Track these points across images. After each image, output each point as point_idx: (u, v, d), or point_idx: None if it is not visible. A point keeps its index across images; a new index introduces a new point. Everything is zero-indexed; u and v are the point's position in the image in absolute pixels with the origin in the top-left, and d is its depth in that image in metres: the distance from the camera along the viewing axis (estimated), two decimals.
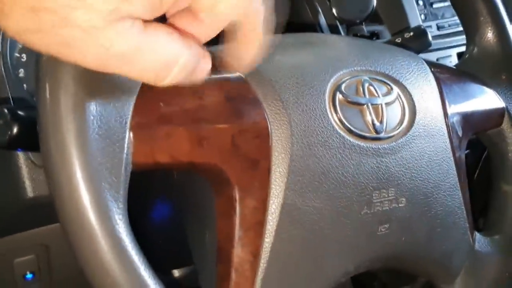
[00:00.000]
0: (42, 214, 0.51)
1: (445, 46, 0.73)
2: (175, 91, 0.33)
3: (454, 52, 0.73)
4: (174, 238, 0.47)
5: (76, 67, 0.28)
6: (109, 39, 0.24)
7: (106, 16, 0.23)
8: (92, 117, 0.28)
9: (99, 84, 0.29)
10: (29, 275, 0.55)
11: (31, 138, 0.41)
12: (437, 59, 0.72)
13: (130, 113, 0.31)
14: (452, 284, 0.46)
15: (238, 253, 0.35)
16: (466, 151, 0.61)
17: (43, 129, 0.28)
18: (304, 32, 0.44)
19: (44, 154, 0.28)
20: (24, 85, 0.49)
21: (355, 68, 0.41)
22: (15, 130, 0.40)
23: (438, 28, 0.74)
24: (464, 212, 0.46)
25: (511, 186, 0.50)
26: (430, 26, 0.74)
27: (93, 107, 0.29)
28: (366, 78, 0.41)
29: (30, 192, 0.49)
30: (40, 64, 0.28)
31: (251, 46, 0.30)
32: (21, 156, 0.49)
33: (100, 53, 0.24)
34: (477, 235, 0.48)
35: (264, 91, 0.37)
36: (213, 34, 0.28)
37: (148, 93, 0.32)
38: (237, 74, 0.37)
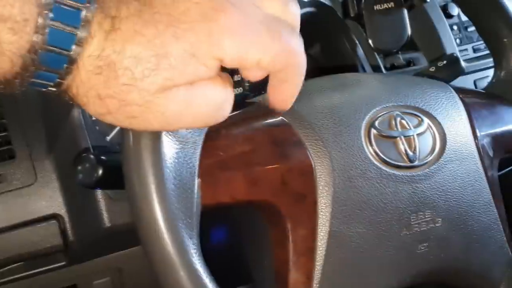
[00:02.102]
0: (117, 241, 0.60)
1: (482, 67, 0.76)
2: (231, 140, 0.40)
3: (491, 73, 0.75)
4: (234, 259, 0.53)
5: (152, 134, 0.34)
6: (162, 106, 0.30)
7: (155, 92, 0.29)
8: (168, 171, 0.35)
9: (171, 142, 0.36)
10: None
11: (112, 179, 0.48)
12: (475, 81, 0.75)
13: (197, 163, 0.37)
14: None
15: (293, 275, 0.41)
16: None
17: (129, 181, 0.35)
18: (338, 74, 0.49)
19: (130, 200, 0.35)
20: (97, 127, 0.57)
21: (387, 105, 0.46)
22: (100, 172, 0.48)
23: (474, 50, 0.77)
24: (501, 226, 0.49)
25: None
26: (466, 49, 0.77)
27: (168, 162, 0.35)
28: (398, 112, 0.46)
29: (107, 222, 0.57)
30: (125, 132, 0.35)
31: (291, 90, 0.34)
32: (98, 191, 0.57)
33: (159, 118, 0.30)
34: None
35: (306, 132, 0.42)
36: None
37: (209, 145, 0.38)
38: (281, 119, 0.43)
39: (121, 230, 0.57)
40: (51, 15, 0.26)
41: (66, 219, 0.57)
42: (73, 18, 0.27)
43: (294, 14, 0.34)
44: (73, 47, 0.28)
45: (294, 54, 0.32)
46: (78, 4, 0.27)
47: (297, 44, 0.32)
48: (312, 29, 0.72)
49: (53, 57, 0.28)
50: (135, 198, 0.35)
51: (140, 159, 0.34)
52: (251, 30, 0.30)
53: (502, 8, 0.53)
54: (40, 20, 0.26)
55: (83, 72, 0.28)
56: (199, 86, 0.31)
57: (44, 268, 0.59)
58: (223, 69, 0.32)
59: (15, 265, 0.57)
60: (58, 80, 0.29)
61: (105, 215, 0.57)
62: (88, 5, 0.27)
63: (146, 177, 0.34)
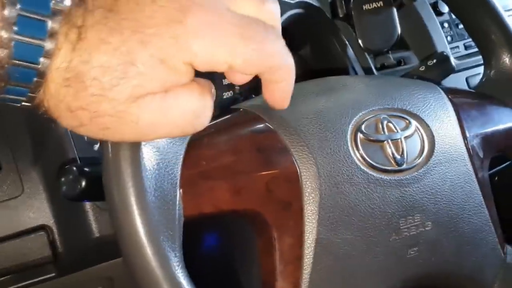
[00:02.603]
0: (107, 251, 0.59)
1: (474, 64, 0.75)
2: (214, 149, 0.39)
3: (483, 70, 0.75)
4: (224, 268, 0.52)
5: (131, 144, 0.34)
6: (135, 115, 0.29)
7: (125, 100, 0.28)
8: (148, 182, 0.34)
9: (151, 152, 0.35)
10: None
11: (96, 190, 0.48)
12: (467, 78, 0.74)
13: (179, 174, 0.37)
14: None
15: (281, 285, 0.40)
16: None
17: (108, 193, 0.34)
18: (324, 78, 0.49)
19: (111, 214, 0.35)
20: (85, 137, 0.56)
21: (374, 108, 0.45)
22: (83, 184, 0.47)
23: (466, 47, 0.77)
24: (492, 227, 0.49)
25: None
26: (458, 47, 0.76)
27: (149, 174, 0.35)
28: (385, 116, 0.45)
29: (96, 232, 0.57)
30: (104, 144, 0.34)
31: (282, 90, 0.33)
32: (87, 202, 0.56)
33: (133, 128, 0.29)
34: (509, 248, 0.51)
35: (291, 138, 0.42)
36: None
37: (191, 154, 0.38)
38: (265, 125, 0.42)
39: (111, 240, 0.57)
40: (15, 28, 0.26)
41: (55, 230, 0.57)
42: (39, 30, 0.26)
43: (272, 12, 0.32)
44: (41, 59, 0.27)
45: (272, 55, 0.30)
46: (44, 16, 0.26)
47: (276, 44, 0.31)
48: (301, 30, 0.71)
49: (21, 71, 0.27)
50: (115, 210, 0.34)
51: (119, 170, 0.34)
52: (219, 31, 0.29)
53: (489, 5, 0.53)
54: (4, 34, 0.26)
55: (52, 85, 0.28)
56: (174, 93, 0.30)
57: (33, 280, 0.58)
58: (210, 74, 0.31)
59: (4, 278, 0.57)
60: (30, 94, 0.28)
61: (93, 225, 0.57)
62: (53, 16, 0.26)
63: (126, 189, 0.34)
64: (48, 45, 0.27)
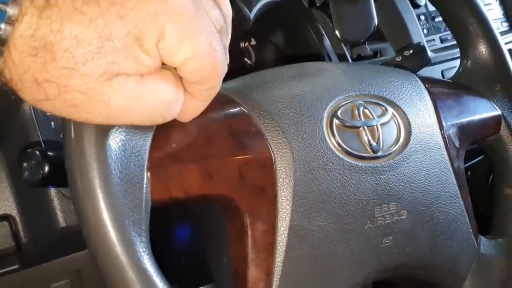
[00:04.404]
0: (74, 242, 0.57)
1: (449, 58, 0.75)
2: (184, 131, 0.37)
3: (458, 63, 0.75)
4: (196, 258, 0.51)
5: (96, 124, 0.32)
6: (106, 95, 0.27)
7: (98, 77, 0.27)
8: (113, 164, 0.33)
9: (117, 133, 0.33)
10: None
11: (61, 175, 0.46)
12: (442, 71, 0.74)
13: (147, 156, 0.35)
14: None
15: (252, 273, 0.38)
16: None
17: (71, 177, 0.33)
18: (300, 63, 0.47)
19: (73, 198, 0.33)
20: (52, 123, 0.54)
21: (350, 94, 0.44)
22: (46, 169, 0.45)
23: (442, 41, 0.77)
24: (467, 218, 0.48)
25: None
26: (434, 40, 0.76)
27: (114, 154, 0.33)
28: (361, 102, 0.44)
29: (62, 222, 0.54)
30: (65, 122, 0.32)
31: (197, 107, 0.33)
32: (52, 189, 0.54)
33: (102, 109, 0.28)
34: (482, 238, 0.50)
35: (266, 122, 0.40)
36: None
37: (160, 136, 0.36)
38: (239, 109, 0.41)
39: (78, 230, 0.54)
40: None
41: (18, 220, 0.55)
42: None
43: (229, 34, 0.32)
44: (2, 25, 0.25)
45: (219, 71, 0.31)
46: None
47: (225, 61, 0.31)
48: (277, 19, 0.70)
49: None
50: (78, 195, 0.32)
51: (83, 152, 0.32)
52: (195, 25, 0.28)
53: None
54: None
55: (16, 53, 0.26)
56: (150, 80, 0.29)
57: None
58: None
59: None
60: None
61: (59, 215, 0.54)
62: None
63: (89, 171, 0.32)
64: (10, 10, 0.25)
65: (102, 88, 0.27)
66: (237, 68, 0.72)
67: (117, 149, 0.33)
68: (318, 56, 0.69)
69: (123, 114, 0.29)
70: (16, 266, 0.57)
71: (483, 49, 0.54)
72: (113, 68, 0.27)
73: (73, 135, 0.32)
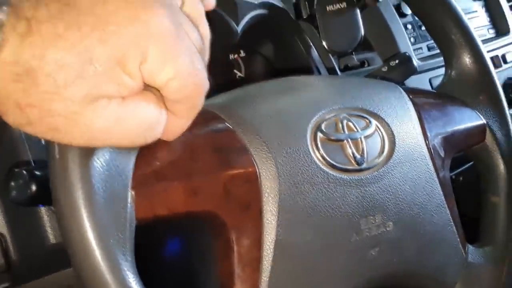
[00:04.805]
0: (65, 258, 0.57)
1: (437, 65, 0.76)
2: (168, 149, 0.38)
3: None
4: (184, 273, 0.51)
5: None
6: (88, 119, 0.28)
7: (80, 101, 0.27)
8: (98, 184, 0.33)
9: (101, 153, 0.34)
10: None
11: (49, 195, 0.46)
12: (430, 79, 0.75)
13: (131, 175, 0.35)
14: None
15: None
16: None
17: (56, 197, 0.33)
18: (284, 77, 0.48)
19: (58, 217, 0.33)
20: (42, 141, 0.54)
21: (334, 107, 0.45)
22: (33, 188, 0.45)
23: (429, 49, 0.77)
24: (454, 227, 0.48)
25: (499, 197, 0.53)
26: (421, 48, 0.77)
27: (98, 174, 0.33)
28: (345, 115, 0.45)
29: (52, 239, 0.55)
30: (50, 142, 0.33)
31: (181, 125, 0.33)
32: (41, 207, 0.54)
33: (84, 132, 0.28)
34: (470, 247, 0.51)
35: (250, 138, 0.41)
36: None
37: (144, 154, 0.36)
38: (224, 124, 0.41)
39: None
40: None
41: (8, 237, 0.54)
42: None
43: (207, 55, 0.33)
44: None
45: (201, 90, 0.31)
46: None
47: (206, 80, 0.31)
48: (265, 31, 0.71)
49: None
50: (63, 214, 0.32)
51: (66, 171, 0.32)
52: (177, 46, 0.29)
53: (449, 6, 0.53)
54: None
55: None
56: (132, 102, 0.29)
57: None
58: None
59: None
60: None
61: (49, 232, 0.54)
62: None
63: (73, 190, 0.32)
64: None
65: (83, 112, 0.27)
66: (227, 80, 0.73)
67: (101, 169, 0.33)
68: (307, 67, 0.70)
69: (105, 137, 0.29)
70: (7, 284, 0.56)
71: (466, 58, 0.54)
72: (94, 92, 0.27)
73: (57, 156, 0.32)
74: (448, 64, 0.56)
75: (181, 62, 0.29)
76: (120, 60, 0.27)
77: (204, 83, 0.31)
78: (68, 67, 0.26)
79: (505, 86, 0.80)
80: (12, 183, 0.44)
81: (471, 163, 0.79)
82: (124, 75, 0.28)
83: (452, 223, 0.48)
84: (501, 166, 0.54)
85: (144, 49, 0.28)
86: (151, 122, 0.31)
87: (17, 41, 0.26)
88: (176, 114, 0.32)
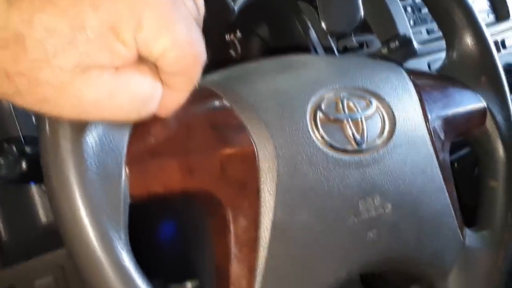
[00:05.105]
0: (56, 238, 0.56)
1: (436, 49, 0.75)
2: (164, 125, 0.36)
3: (445, 55, 0.75)
4: (179, 254, 0.50)
5: None
6: (79, 90, 0.26)
7: (70, 70, 0.26)
8: (90, 159, 0.32)
9: (94, 127, 0.32)
10: None
11: (40, 172, 0.45)
12: (428, 63, 0.74)
13: (125, 151, 0.34)
14: (445, 280, 0.48)
15: (235, 269, 0.38)
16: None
17: (47, 173, 0.32)
18: (284, 55, 0.47)
19: (49, 195, 0.32)
20: (33, 118, 0.53)
21: (334, 86, 0.44)
22: (23, 165, 0.44)
23: (428, 32, 0.76)
24: (452, 210, 0.48)
25: (498, 182, 0.52)
26: (420, 31, 0.76)
27: (90, 149, 0.32)
28: (345, 94, 0.44)
29: (43, 219, 0.54)
30: (40, 116, 0.32)
31: (178, 99, 0.32)
32: (32, 185, 0.53)
33: (74, 104, 0.27)
34: (467, 231, 0.50)
35: (248, 116, 0.40)
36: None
37: (139, 130, 0.35)
38: (221, 102, 0.40)
39: None
40: None
41: None
42: None
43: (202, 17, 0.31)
44: None
45: (199, 61, 0.29)
46: None
47: (204, 50, 0.30)
48: (263, 11, 0.69)
49: None
50: (54, 191, 0.31)
51: (58, 147, 0.31)
52: (173, 14, 0.27)
53: None
54: None
55: None
56: (125, 74, 0.28)
57: None
58: None
59: None
60: None
61: (40, 211, 0.53)
62: None
63: (64, 166, 0.31)
64: None
65: (74, 82, 0.26)
66: (222, 60, 0.71)
67: (93, 144, 0.32)
68: (304, 48, 0.68)
69: (96, 110, 0.28)
70: None
71: (468, 40, 0.53)
72: (86, 61, 0.26)
73: (48, 130, 0.31)
74: (449, 46, 0.55)
75: (179, 31, 0.27)
76: (114, 27, 0.26)
77: (202, 54, 0.30)
78: (58, 34, 0.25)
79: (504, 72, 0.80)
80: (1, 160, 0.43)
81: (467, 149, 0.79)
82: (117, 43, 0.27)
83: (451, 207, 0.48)
84: (500, 150, 0.53)
85: (139, 16, 0.26)
86: (145, 96, 0.29)
87: (5, 5, 0.24)
88: (172, 88, 0.31)
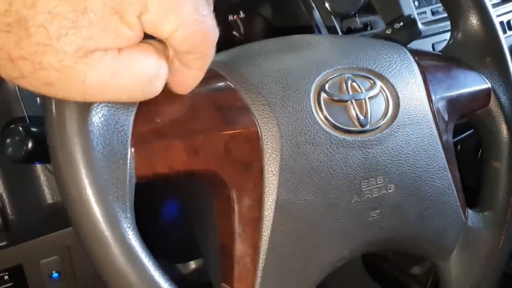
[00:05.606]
0: (62, 218, 0.56)
1: (441, 30, 0.74)
2: (168, 106, 0.37)
3: (449, 36, 0.74)
4: (184, 234, 0.51)
5: None
6: (82, 73, 0.26)
7: (73, 54, 0.26)
8: (96, 139, 0.32)
9: (100, 108, 0.33)
10: (55, 275, 0.60)
11: (46, 152, 0.45)
12: (433, 44, 0.73)
13: (130, 131, 0.34)
14: (447, 260, 0.49)
15: (239, 248, 0.38)
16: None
17: (53, 153, 0.32)
18: (287, 36, 0.47)
19: (56, 174, 0.32)
20: (38, 99, 0.53)
21: (338, 67, 0.44)
22: (30, 145, 0.45)
23: (433, 13, 0.76)
24: (455, 191, 0.48)
25: (501, 163, 0.52)
26: (425, 12, 0.75)
27: (96, 130, 0.32)
28: (349, 75, 0.44)
29: (49, 199, 0.54)
30: (46, 97, 0.32)
31: (194, 77, 0.32)
32: (38, 166, 0.54)
33: (78, 87, 0.27)
34: (470, 211, 0.50)
35: (252, 97, 0.40)
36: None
37: (144, 111, 0.35)
38: (225, 82, 0.40)
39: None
40: None
41: (5, 197, 0.54)
42: None
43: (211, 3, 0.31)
44: None
45: (210, 38, 0.30)
46: None
47: (215, 27, 0.30)
48: None
49: None
50: (60, 171, 0.32)
51: (64, 127, 0.31)
52: None
53: None
54: None
55: None
56: (128, 54, 0.28)
57: None
58: None
59: None
60: None
61: (46, 191, 0.54)
62: None
63: (71, 146, 0.31)
64: None
65: (77, 66, 0.26)
66: (225, 41, 0.71)
67: (99, 124, 0.32)
68: (308, 29, 0.68)
69: (100, 91, 0.28)
70: (4, 243, 0.56)
71: (474, 20, 0.53)
72: (89, 44, 0.26)
73: (54, 111, 0.32)
74: (454, 26, 0.54)
75: (185, 10, 0.27)
76: (118, 9, 0.26)
77: (212, 30, 0.29)
78: (61, 17, 0.25)
79: (510, 53, 0.79)
80: (8, 140, 0.44)
81: (469, 132, 0.78)
82: (121, 25, 0.27)
83: (454, 187, 0.48)
84: (504, 132, 0.53)
85: None
86: (150, 76, 0.30)
87: None
88: (188, 66, 0.31)
